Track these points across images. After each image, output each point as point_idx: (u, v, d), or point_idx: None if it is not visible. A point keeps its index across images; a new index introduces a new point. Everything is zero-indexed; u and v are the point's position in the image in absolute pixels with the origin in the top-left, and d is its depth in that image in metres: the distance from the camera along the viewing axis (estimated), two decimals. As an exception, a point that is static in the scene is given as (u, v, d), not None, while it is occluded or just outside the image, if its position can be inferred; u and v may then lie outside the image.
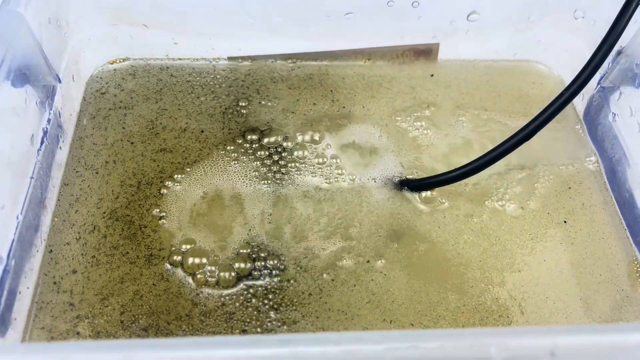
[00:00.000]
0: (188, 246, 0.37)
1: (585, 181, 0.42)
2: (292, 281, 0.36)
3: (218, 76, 0.46)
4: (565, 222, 0.39)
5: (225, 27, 0.45)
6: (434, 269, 0.37)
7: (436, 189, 0.40)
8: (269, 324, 0.34)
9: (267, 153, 0.41)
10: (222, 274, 0.36)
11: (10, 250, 0.33)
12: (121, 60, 0.46)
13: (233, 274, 0.36)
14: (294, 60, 0.47)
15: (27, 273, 0.34)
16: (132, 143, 0.42)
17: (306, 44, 0.46)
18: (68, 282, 0.35)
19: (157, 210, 0.38)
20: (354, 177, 0.41)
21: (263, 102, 0.44)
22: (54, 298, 0.35)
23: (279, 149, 0.42)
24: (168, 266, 0.36)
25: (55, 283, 0.35)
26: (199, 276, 0.36)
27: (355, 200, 0.40)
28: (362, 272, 0.37)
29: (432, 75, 0.47)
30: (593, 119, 0.44)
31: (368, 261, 0.37)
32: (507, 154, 0.38)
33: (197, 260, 0.36)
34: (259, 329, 0.34)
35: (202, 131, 0.42)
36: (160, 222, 0.38)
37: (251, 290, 0.36)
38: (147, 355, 0.24)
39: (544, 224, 0.39)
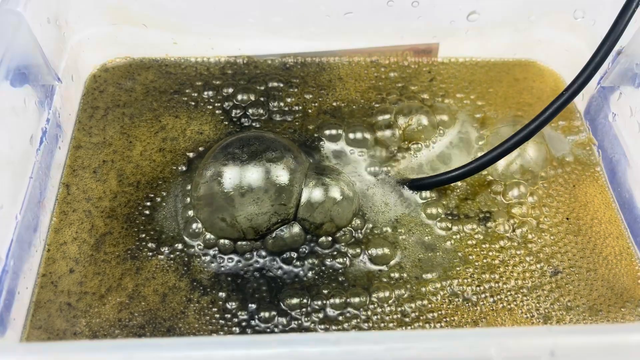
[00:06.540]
0: (189, 247, 0.37)
1: (585, 181, 0.42)
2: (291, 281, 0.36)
3: (218, 76, 0.45)
4: (567, 219, 0.39)
5: (225, 27, 0.45)
6: (432, 266, 0.37)
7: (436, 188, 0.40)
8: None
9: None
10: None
11: (9, 250, 0.33)
12: (121, 60, 0.46)
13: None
14: (294, 59, 0.47)
15: (25, 273, 0.34)
16: (130, 142, 0.42)
17: (306, 43, 0.46)
18: (66, 281, 0.35)
19: (157, 210, 0.38)
20: (352, 176, 0.41)
21: (263, 102, 0.44)
22: (52, 298, 0.35)
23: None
24: (168, 265, 0.36)
25: (53, 283, 0.35)
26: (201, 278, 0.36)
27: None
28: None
29: (429, 72, 0.46)
30: (593, 119, 0.44)
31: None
32: (507, 154, 0.38)
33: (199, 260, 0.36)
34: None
35: (202, 132, 0.42)
36: (160, 222, 0.38)
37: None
38: (146, 355, 0.24)
39: (546, 223, 0.39)
